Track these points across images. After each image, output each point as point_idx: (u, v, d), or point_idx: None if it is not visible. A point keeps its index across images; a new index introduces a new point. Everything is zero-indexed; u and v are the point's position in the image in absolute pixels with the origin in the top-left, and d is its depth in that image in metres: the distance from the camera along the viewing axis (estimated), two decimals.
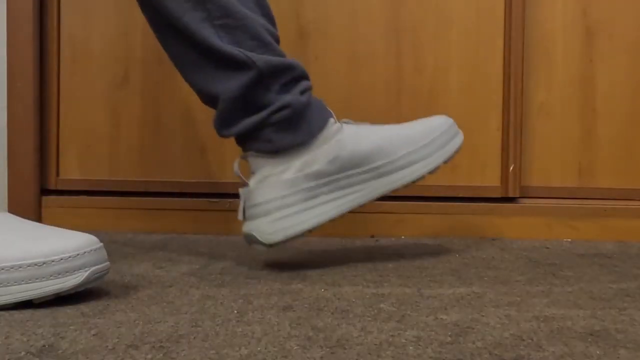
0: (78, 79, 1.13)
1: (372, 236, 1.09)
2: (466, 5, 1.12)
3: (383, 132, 0.84)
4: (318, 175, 0.80)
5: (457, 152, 0.87)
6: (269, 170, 0.80)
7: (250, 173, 0.83)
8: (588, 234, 1.10)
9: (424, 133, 0.84)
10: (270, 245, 0.78)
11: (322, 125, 0.82)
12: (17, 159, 1.12)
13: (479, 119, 1.13)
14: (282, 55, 0.81)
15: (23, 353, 0.50)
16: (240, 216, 0.81)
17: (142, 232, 1.10)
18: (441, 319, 0.61)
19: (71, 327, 0.57)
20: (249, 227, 0.80)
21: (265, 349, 0.52)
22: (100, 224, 1.11)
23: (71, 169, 1.14)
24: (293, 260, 0.90)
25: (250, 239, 0.80)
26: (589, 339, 0.55)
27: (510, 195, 1.12)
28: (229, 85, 0.79)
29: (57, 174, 1.14)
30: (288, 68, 0.81)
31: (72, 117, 1.14)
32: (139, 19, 1.13)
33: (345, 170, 0.81)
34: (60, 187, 1.14)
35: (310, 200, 0.79)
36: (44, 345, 0.52)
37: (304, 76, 0.83)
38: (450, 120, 0.87)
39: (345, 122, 0.84)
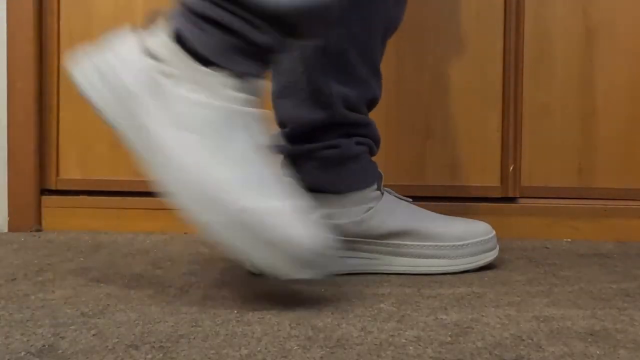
0: None
1: None
2: (466, 5, 1.12)
3: (420, 215, 0.83)
4: (338, 230, 0.79)
5: (484, 264, 0.83)
6: None
7: None
8: (588, 234, 1.10)
9: (460, 233, 0.82)
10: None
11: (362, 185, 0.81)
12: (17, 159, 1.12)
13: (479, 119, 1.13)
14: (364, 114, 0.83)
15: (23, 353, 0.50)
16: None
17: (142, 232, 1.10)
18: (441, 319, 0.61)
19: (71, 327, 0.57)
20: None
21: (265, 349, 0.52)
22: (100, 224, 1.11)
23: (71, 169, 1.14)
24: None
25: None
26: (589, 339, 0.55)
27: (510, 195, 1.12)
28: (300, 114, 0.80)
29: (57, 174, 1.14)
30: (360, 124, 0.82)
31: (72, 117, 1.14)
32: (139, 19, 1.13)
33: (367, 237, 0.80)
34: (60, 187, 1.14)
35: None
36: (44, 345, 0.52)
37: (371, 136, 0.83)
38: (492, 233, 0.85)
39: (387, 192, 0.84)
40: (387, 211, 0.81)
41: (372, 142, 0.84)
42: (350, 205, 0.80)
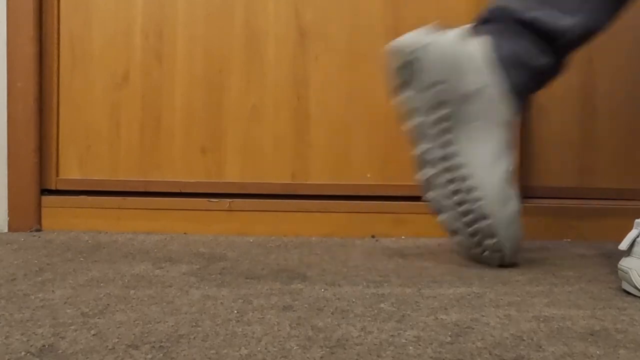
0: (78, 79, 1.14)
1: (373, 236, 1.09)
2: (466, 5, 1.12)
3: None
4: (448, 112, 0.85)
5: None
6: (478, 83, 0.84)
7: None
8: (588, 234, 1.10)
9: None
10: None
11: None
12: (17, 159, 1.12)
13: None
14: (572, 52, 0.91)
15: (23, 353, 0.50)
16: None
17: (142, 232, 1.10)
18: (441, 319, 0.61)
19: (71, 327, 0.57)
20: None
21: (265, 349, 0.52)
22: (100, 224, 1.11)
23: (71, 169, 1.14)
24: (293, 260, 0.90)
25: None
26: (589, 339, 0.55)
27: None
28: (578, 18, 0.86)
29: (57, 174, 1.14)
30: (562, 62, 0.90)
31: (72, 117, 1.14)
32: (139, 19, 1.13)
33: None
34: (60, 187, 1.14)
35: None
36: (44, 345, 0.52)
37: (553, 77, 0.92)
38: None
39: None
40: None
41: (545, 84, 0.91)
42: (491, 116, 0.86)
